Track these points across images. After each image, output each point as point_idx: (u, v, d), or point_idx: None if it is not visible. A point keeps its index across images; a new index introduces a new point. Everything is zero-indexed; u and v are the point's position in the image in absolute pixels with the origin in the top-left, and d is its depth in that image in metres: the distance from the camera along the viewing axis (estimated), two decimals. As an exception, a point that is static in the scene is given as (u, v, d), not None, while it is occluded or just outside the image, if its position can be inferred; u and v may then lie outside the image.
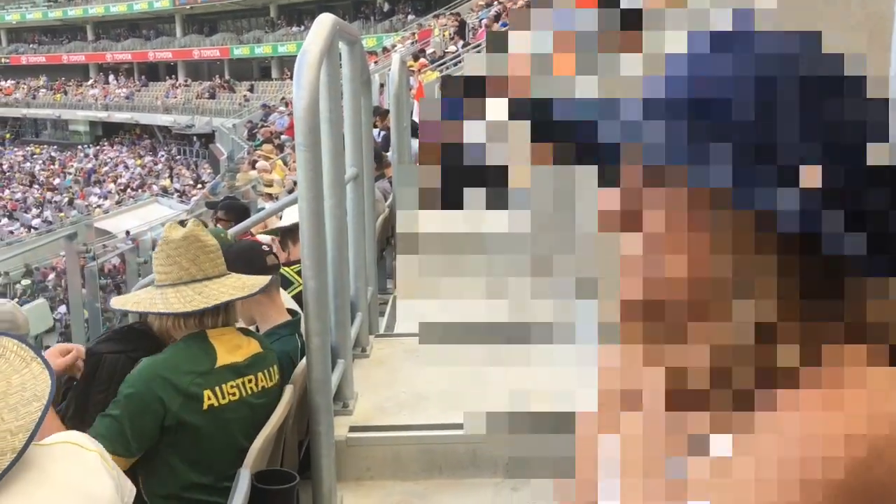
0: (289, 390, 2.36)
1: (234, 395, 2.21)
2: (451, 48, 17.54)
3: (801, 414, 0.54)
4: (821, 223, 0.53)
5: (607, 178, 0.59)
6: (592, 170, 0.62)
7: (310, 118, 2.34)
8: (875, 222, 0.53)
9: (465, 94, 0.63)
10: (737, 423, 0.56)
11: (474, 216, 0.66)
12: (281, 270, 2.95)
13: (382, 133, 8.31)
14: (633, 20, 0.60)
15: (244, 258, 2.69)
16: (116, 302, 2.42)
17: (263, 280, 2.36)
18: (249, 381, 2.26)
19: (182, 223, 2.39)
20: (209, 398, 2.17)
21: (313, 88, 2.34)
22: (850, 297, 0.55)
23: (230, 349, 2.24)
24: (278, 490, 1.99)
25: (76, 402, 2.24)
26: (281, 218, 5.16)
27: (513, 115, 0.61)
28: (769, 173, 0.53)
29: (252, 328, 2.62)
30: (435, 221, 0.66)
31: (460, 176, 0.64)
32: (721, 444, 0.57)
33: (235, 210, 5.69)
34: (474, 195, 0.65)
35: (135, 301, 2.31)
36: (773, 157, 0.53)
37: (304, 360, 2.47)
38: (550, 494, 0.79)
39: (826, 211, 0.53)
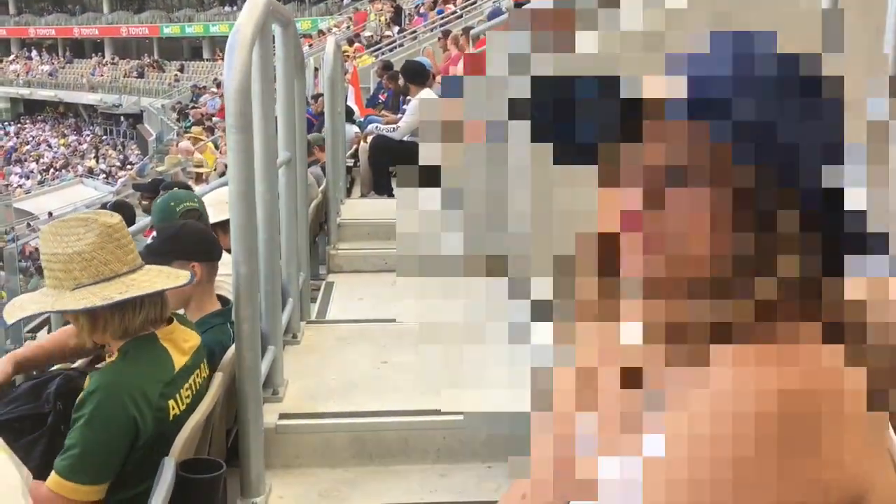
0: (218, 377, 2.31)
1: (188, 397, 2.10)
2: (388, 33, 17.44)
3: (734, 369, 0.55)
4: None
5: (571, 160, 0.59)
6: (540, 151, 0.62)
7: (241, 100, 2.29)
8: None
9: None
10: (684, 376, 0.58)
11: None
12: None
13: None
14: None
15: (206, 243, 2.65)
16: (69, 303, 1.96)
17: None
18: (196, 375, 2.17)
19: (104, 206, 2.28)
20: (173, 408, 2.04)
21: (245, 69, 2.29)
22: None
23: (179, 348, 2.11)
24: (204, 479, 1.95)
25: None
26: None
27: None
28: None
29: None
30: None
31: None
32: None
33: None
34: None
35: (119, 291, 1.95)
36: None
37: (233, 347, 2.43)
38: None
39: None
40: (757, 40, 0.56)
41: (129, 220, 5.58)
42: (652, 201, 0.57)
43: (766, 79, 0.55)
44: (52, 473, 1.92)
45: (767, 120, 0.55)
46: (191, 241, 2.62)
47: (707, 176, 0.56)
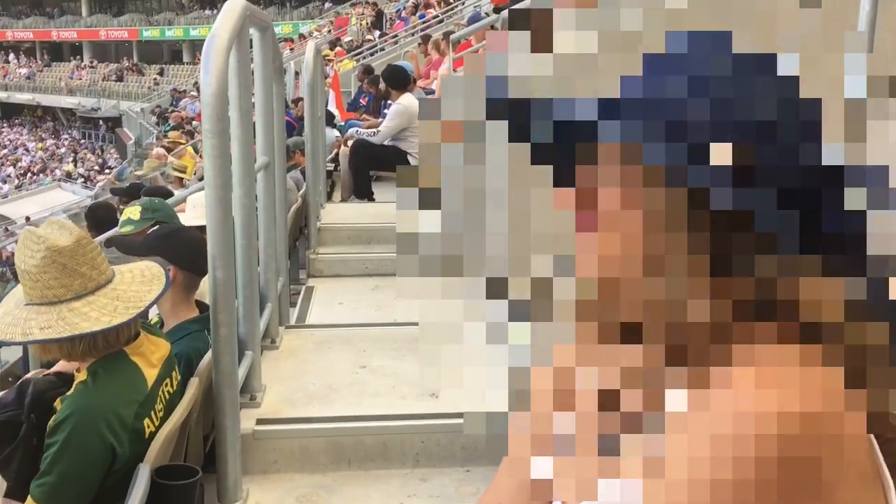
0: (194, 383, 2.30)
1: (160, 410, 2.06)
2: (369, 37, 17.43)
3: (733, 392, 0.54)
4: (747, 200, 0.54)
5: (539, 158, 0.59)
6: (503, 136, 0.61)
7: (218, 105, 2.28)
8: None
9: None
10: (670, 400, 0.57)
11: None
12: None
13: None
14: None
15: (195, 254, 2.55)
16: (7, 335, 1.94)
17: (160, 271, 2.18)
18: (167, 385, 2.13)
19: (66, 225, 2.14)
20: (148, 426, 2.00)
21: (222, 75, 2.28)
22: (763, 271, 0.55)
23: (148, 361, 2.06)
24: (178, 485, 1.94)
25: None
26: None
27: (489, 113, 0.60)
28: (683, 150, 0.54)
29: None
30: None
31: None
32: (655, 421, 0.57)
33: (159, 195, 5.52)
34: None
35: (40, 327, 1.90)
36: (685, 134, 0.54)
37: (209, 353, 2.42)
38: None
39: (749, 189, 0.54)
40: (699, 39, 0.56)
41: (110, 221, 5.52)
42: (584, 201, 0.57)
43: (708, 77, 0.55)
44: (29, 498, 1.90)
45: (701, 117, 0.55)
46: (182, 245, 2.58)
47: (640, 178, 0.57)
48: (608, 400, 0.60)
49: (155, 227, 2.78)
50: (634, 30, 0.57)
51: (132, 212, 3.21)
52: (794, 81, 0.55)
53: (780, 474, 0.51)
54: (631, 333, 0.58)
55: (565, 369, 0.63)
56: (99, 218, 5.76)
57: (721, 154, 0.54)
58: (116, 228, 4.37)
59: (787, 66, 0.56)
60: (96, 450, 1.90)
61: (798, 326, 0.55)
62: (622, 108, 0.56)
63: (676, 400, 0.56)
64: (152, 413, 2.04)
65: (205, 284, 2.81)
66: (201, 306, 2.66)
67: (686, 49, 0.56)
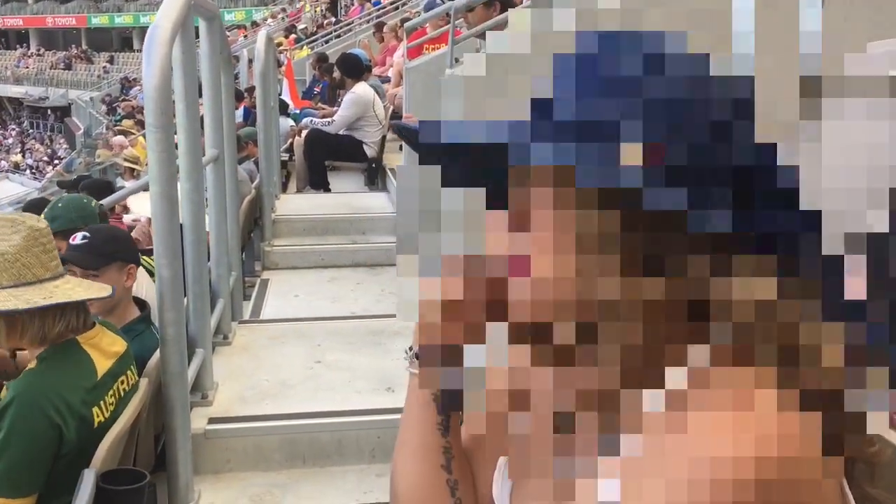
0: (143, 384, 2.25)
1: (112, 404, 2.04)
2: (326, 21, 17.25)
3: (689, 437, 0.52)
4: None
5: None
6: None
7: (161, 98, 2.22)
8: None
9: None
10: (625, 443, 0.55)
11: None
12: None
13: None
14: None
15: (127, 247, 2.60)
16: None
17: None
18: (122, 382, 2.11)
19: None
20: (97, 415, 1.97)
21: (164, 67, 2.22)
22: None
23: (103, 353, 2.05)
24: (124, 490, 1.89)
25: None
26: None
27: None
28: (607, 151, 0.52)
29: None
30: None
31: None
32: (608, 465, 0.54)
33: (98, 189, 5.41)
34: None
35: (43, 297, 1.91)
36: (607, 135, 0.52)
37: (158, 352, 2.36)
38: None
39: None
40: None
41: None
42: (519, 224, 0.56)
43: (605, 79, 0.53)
44: None
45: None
46: (130, 243, 2.57)
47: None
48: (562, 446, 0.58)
49: (83, 233, 2.63)
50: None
51: None
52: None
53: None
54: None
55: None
56: None
57: (633, 154, 0.52)
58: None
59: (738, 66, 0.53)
60: (43, 431, 1.88)
61: (753, 372, 0.54)
62: (554, 128, 0.53)
63: (632, 445, 0.54)
64: (101, 403, 2.00)
65: (142, 278, 2.76)
66: (139, 303, 2.61)
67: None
